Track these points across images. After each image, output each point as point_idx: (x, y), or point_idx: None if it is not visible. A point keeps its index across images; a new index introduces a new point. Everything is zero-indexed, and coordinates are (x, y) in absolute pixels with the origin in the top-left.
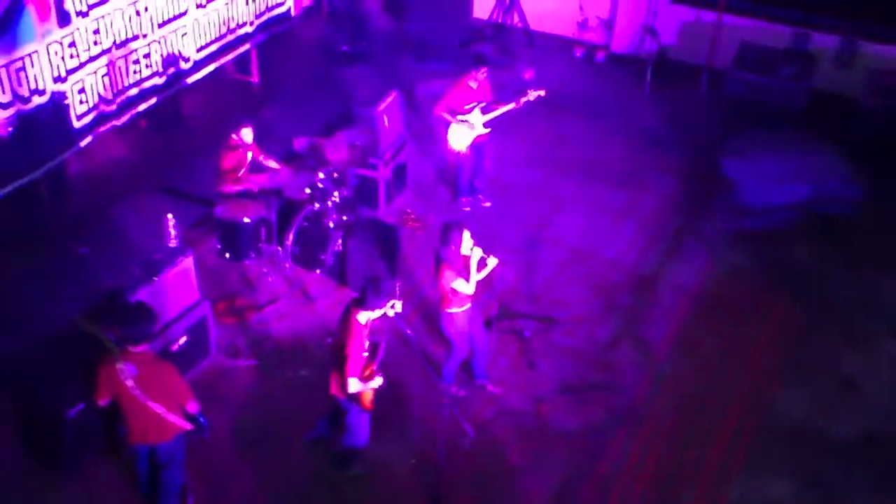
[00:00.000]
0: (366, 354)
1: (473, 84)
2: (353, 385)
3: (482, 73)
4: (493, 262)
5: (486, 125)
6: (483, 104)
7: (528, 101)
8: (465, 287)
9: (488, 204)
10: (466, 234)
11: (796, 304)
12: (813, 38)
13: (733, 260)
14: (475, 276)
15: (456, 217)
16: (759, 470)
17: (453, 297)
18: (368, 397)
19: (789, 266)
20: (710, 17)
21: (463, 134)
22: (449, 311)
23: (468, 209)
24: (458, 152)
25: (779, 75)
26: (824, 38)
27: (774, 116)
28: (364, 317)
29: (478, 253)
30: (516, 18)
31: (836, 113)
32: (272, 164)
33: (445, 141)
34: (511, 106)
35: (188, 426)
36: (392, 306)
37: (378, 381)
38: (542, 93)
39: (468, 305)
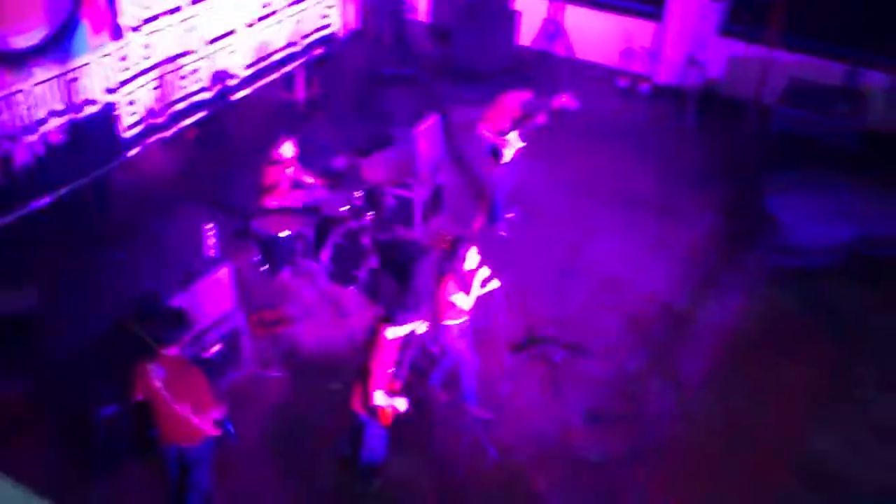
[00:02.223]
0: (391, 371)
1: (511, 103)
2: (379, 398)
3: (523, 94)
4: (494, 283)
5: (522, 139)
6: (520, 120)
7: (559, 108)
8: (464, 301)
9: (511, 215)
10: (473, 250)
11: (834, 345)
12: (865, 75)
13: (771, 298)
14: (475, 292)
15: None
16: None
17: (450, 309)
18: (388, 414)
19: (829, 307)
20: (759, 52)
21: (503, 151)
22: (444, 322)
23: (504, 234)
24: (497, 171)
25: (828, 113)
26: (876, 75)
27: (822, 155)
28: (392, 332)
29: (483, 272)
30: (561, 47)
31: (886, 153)
32: (310, 179)
33: (483, 163)
34: (543, 114)
35: (215, 431)
36: (420, 326)
37: (402, 404)
38: (572, 102)
39: (462, 319)
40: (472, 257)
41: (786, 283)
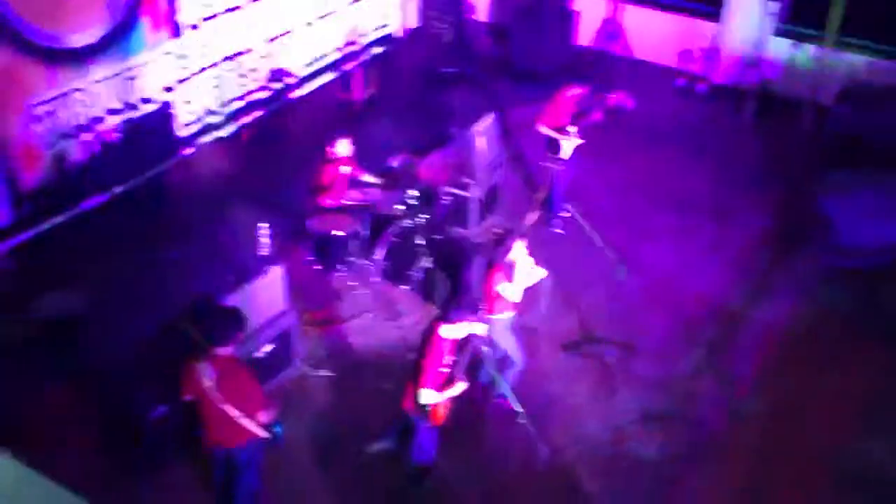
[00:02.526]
0: (444, 370)
1: (569, 98)
2: (426, 396)
3: (579, 89)
4: (541, 272)
5: (580, 136)
6: (577, 116)
7: (615, 105)
8: (511, 293)
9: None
10: (520, 243)
11: (888, 348)
12: None
13: (824, 299)
14: (521, 284)
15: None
16: None
17: (497, 301)
18: (440, 414)
19: (883, 308)
20: (817, 52)
21: (563, 146)
22: (491, 316)
23: (561, 231)
24: (557, 168)
25: (885, 113)
26: None
27: (877, 155)
28: (446, 331)
29: (529, 262)
30: (619, 47)
31: None
32: (368, 178)
33: (540, 162)
34: (600, 111)
35: (263, 434)
36: (477, 327)
37: (461, 387)
38: (629, 100)
39: (509, 314)
40: (519, 249)
41: (840, 284)
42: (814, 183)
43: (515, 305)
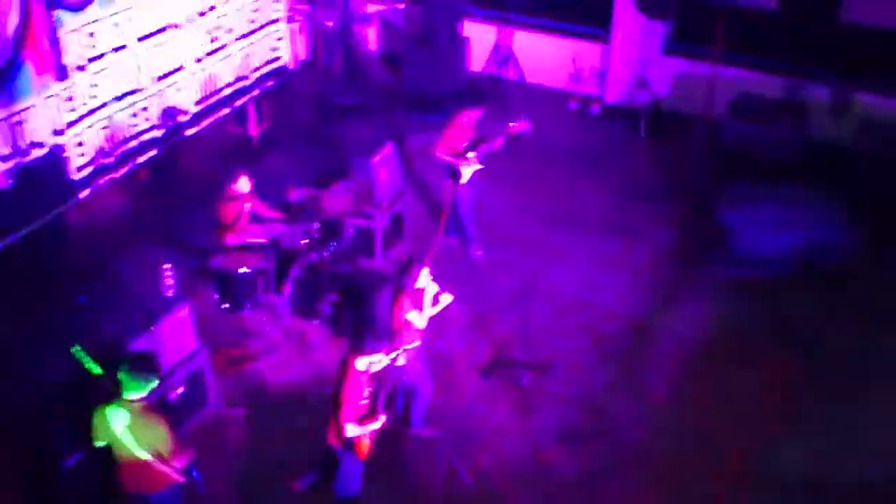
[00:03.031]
0: (364, 402)
1: (467, 122)
2: (351, 430)
3: (475, 112)
4: (447, 298)
5: (480, 161)
6: (476, 141)
7: (515, 133)
8: (419, 320)
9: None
10: (425, 270)
11: (793, 353)
12: (807, 88)
13: (729, 309)
14: (428, 311)
15: (447, 262)
16: None
17: (406, 329)
18: (365, 446)
19: (786, 315)
20: (704, 69)
21: (462, 171)
22: (400, 347)
23: (480, 253)
24: (458, 194)
25: (774, 125)
26: (818, 88)
27: (770, 166)
28: (362, 363)
29: (433, 288)
30: (511, 72)
31: (831, 162)
32: (270, 213)
33: (442, 188)
34: (500, 138)
35: (180, 478)
36: (395, 357)
37: (381, 420)
38: (527, 125)
39: (417, 342)
40: (423, 276)
41: (743, 294)
42: (712, 196)
43: (422, 333)
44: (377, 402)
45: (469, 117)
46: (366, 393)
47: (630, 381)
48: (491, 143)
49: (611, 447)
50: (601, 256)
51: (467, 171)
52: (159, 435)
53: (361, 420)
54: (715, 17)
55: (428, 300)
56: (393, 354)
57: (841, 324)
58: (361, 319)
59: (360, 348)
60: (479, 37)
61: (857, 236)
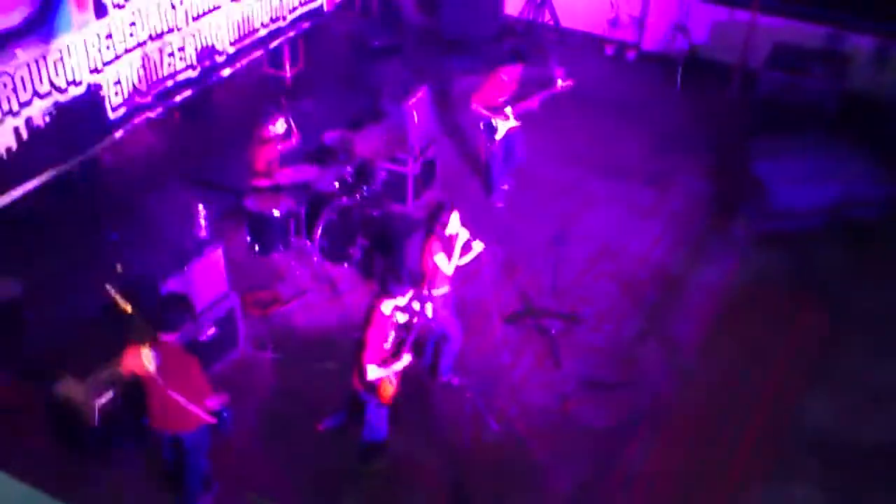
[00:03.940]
0: (388, 346)
1: (506, 78)
2: (372, 372)
3: (516, 68)
4: (478, 246)
5: (516, 117)
6: (514, 97)
7: (558, 92)
8: (446, 265)
9: (505, 187)
10: (455, 215)
11: (823, 307)
12: (848, 38)
13: (760, 261)
14: (457, 258)
15: (478, 209)
16: (783, 475)
17: (434, 276)
18: (388, 391)
19: (816, 269)
20: (744, 16)
21: (496, 126)
22: (429, 293)
23: (501, 205)
24: (491, 146)
25: (812, 76)
26: (859, 38)
27: (806, 117)
28: (388, 306)
29: (464, 235)
30: (547, 16)
31: (868, 115)
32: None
33: (478, 136)
34: (541, 97)
35: (210, 419)
36: (424, 307)
37: (405, 360)
38: (571, 83)
39: (446, 288)
40: (454, 222)
41: (773, 246)
42: (745, 147)
43: (451, 280)
44: (402, 347)
45: (509, 73)
46: (391, 337)
47: (659, 332)
48: (531, 101)
49: (637, 398)
50: (634, 204)
51: (503, 127)
52: (191, 376)
53: (385, 363)
54: None
55: (458, 247)
56: (418, 303)
57: (872, 279)
58: (390, 264)
59: (386, 291)
60: None
61: (892, 191)
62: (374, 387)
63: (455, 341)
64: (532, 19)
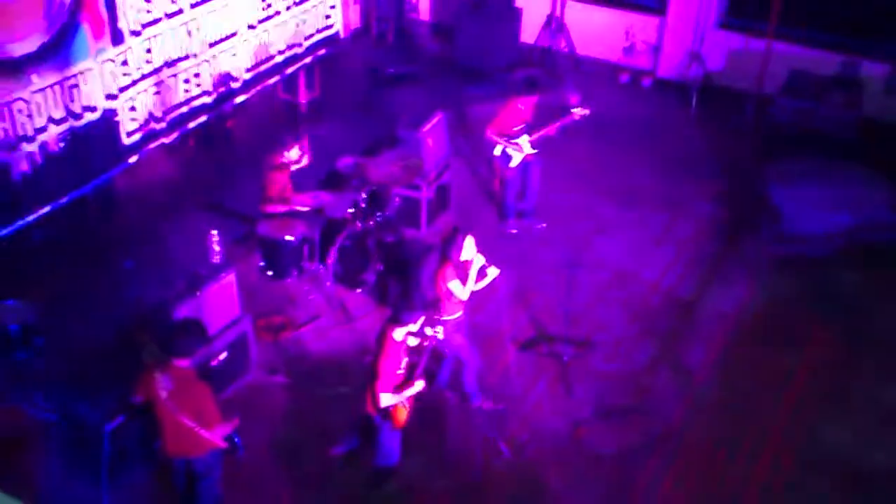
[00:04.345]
0: (401, 372)
1: (522, 107)
2: (386, 399)
3: (532, 97)
4: (493, 272)
5: (533, 146)
6: (530, 126)
7: (574, 120)
8: (461, 291)
9: (544, 225)
10: (470, 240)
11: (838, 333)
12: (863, 65)
13: (775, 287)
14: (472, 283)
15: (491, 235)
16: (797, 499)
17: (448, 301)
18: (402, 416)
19: (832, 294)
20: (759, 44)
21: (511, 155)
22: (441, 318)
23: (514, 231)
24: (506, 174)
25: (827, 103)
26: (874, 65)
27: (822, 144)
28: (400, 333)
29: (480, 260)
30: (563, 44)
31: (883, 141)
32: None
33: (494, 162)
34: (557, 126)
35: (222, 444)
36: (435, 330)
37: (418, 386)
38: (587, 111)
39: (460, 313)
40: (469, 247)
41: (788, 272)
42: (761, 173)
43: (466, 305)
44: (415, 373)
45: (525, 102)
46: (403, 363)
47: (672, 359)
48: (547, 129)
49: (650, 425)
50: (648, 230)
51: (518, 156)
52: (202, 402)
53: (398, 389)
54: None
55: (473, 272)
56: (430, 328)
57: (888, 304)
58: (402, 290)
59: (398, 319)
60: (532, 7)
61: None
62: (387, 412)
63: (471, 365)
64: (548, 47)
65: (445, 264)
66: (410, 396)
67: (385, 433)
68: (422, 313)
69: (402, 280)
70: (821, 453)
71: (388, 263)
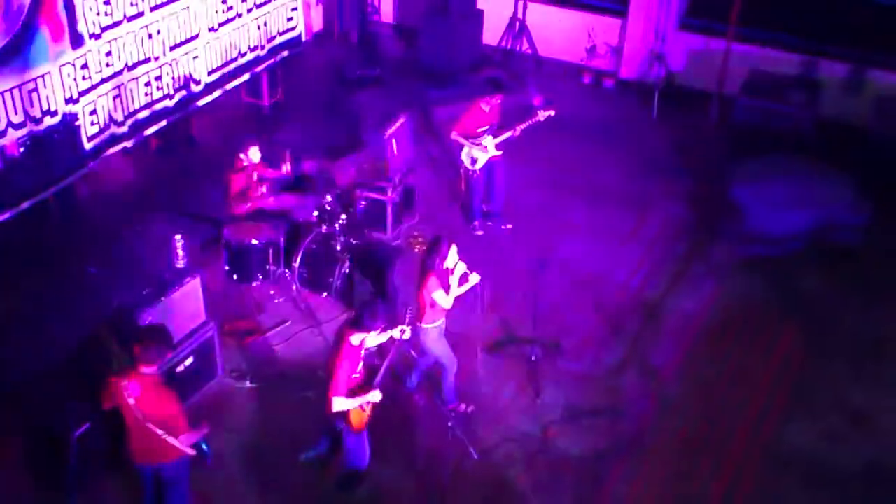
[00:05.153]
0: (356, 376)
1: (486, 108)
2: (338, 404)
3: (496, 98)
4: (475, 278)
5: (498, 147)
6: (495, 127)
7: (539, 122)
8: (444, 300)
9: (509, 226)
10: (453, 249)
11: (803, 332)
12: (821, 65)
13: (740, 286)
14: (455, 290)
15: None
16: (764, 499)
17: (430, 309)
18: (357, 418)
19: (796, 294)
20: (719, 44)
21: (476, 156)
22: (423, 325)
23: (480, 232)
24: (471, 175)
25: (787, 102)
26: (833, 65)
27: (782, 143)
28: (357, 338)
29: (461, 268)
30: (525, 45)
31: (843, 140)
32: (276, 174)
33: (458, 164)
34: (522, 127)
35: (191, 451)
36: (402, 331)
37: (376, 396)
38: (552, 112)
39: (441, 321)
40: (452, 255)
41: (753, 272)
42: (724, 173)
43: (447, 312)
44: (373, 378)
45: (489, 103)
46: (359, 367)
47: (639, 359)
48: (512, 131)
49: (617, 427)
50: (613, 231)
51: (482, 157)
52: (169, 408)
53: (354, 393)
54: None
55: (455, 280)
56: (388, 333)
57: (851, 303)
58: (371, 293)
59: (359, 325)
60: (494, 9)
61: (869, 215)
62: (343, 416)
63: (451, 371)
64: (510, 48)
65: (428, 274)
66: (369, 403)
67: (348, 437)
68: (384, 323)
69: (369, 283)
70: (787, 453)
71: (355, 266)
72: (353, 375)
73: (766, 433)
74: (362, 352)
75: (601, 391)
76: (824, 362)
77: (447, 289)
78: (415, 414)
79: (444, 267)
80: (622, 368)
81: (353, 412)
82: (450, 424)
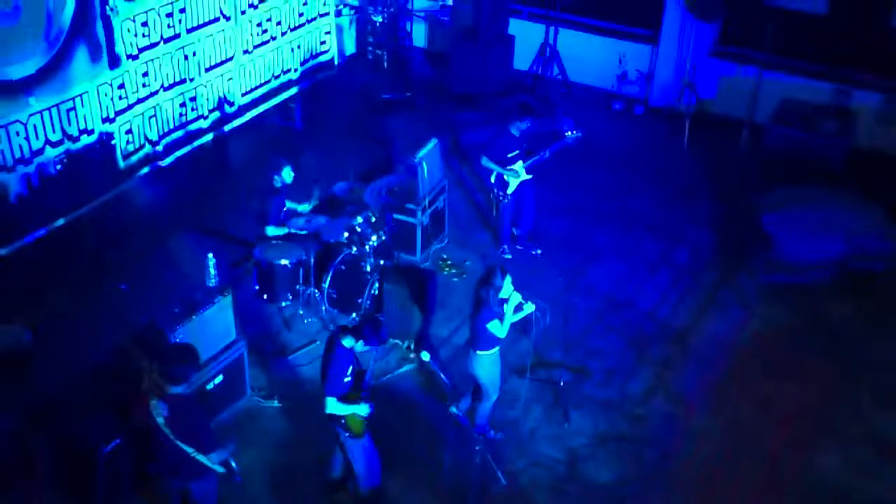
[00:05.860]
0: (348, 380)
1: (516, 132)
2: (331, 406)
3: (525, 122)
4: (529, 307)
5: (528, 171)
6: (525, 151)
7: (568, 143)
8: (499, 329)
9: (539, 251)
10: (508, 278)
11: (831, 361)
12: (854, 94)
13: (768, 314)
14: (510, 320)
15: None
16: None
17: (484, 337)
18: (356, 425)
19: (825, 322)
20: (751, 72)
21: (507, 181)
22: (479, 352)
23: (509, 256)
24: (501, 199)
25: (819, 131)
26: (865, 94)
27: (813, 172)
28: (349, 342)
29: (516, 298)
30: (556, 70)
31: (875, 170)
32: (305, 206)
33: (488, 188)
34: (552, 150)
35: (219, 469)
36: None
37: (364, 409)
38: (580, 134)
39: (497, 349)
40: (507, 285)
41: (781, 300)
42: (753, 201)
43: (501, 341)
44: (361, 381)
45: (519, 128)
46: (349, 371)
47: (666, 387)
48: (542, 154)
49: (644, 454)
50: (642, 257)
51: (514, 181)
52: (198, 427)
53: (344, 399)
54: (762, 21)
55: (510, 309)
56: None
57: (882, 332)
58: (374, 313)
59: (357, 332)
60: (525, 34)
61: None
62: (342, 421)
63: (491, 398)
64: (541, 74)
65: (482, 305)
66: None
67: (350, 447)
68: (379, 342)
69: (397, 305)
70: (814, 483)
71: (383, 288)
72: (345, 379)
73: (794, 463)
74: (353, 355)
75: (628, 418)
76: (851, 391)
77: (501, 318)
78: (443, 437)
79: (500, 297)
80: (649, 396)
81: (351, 417)
82: (478, 448)
